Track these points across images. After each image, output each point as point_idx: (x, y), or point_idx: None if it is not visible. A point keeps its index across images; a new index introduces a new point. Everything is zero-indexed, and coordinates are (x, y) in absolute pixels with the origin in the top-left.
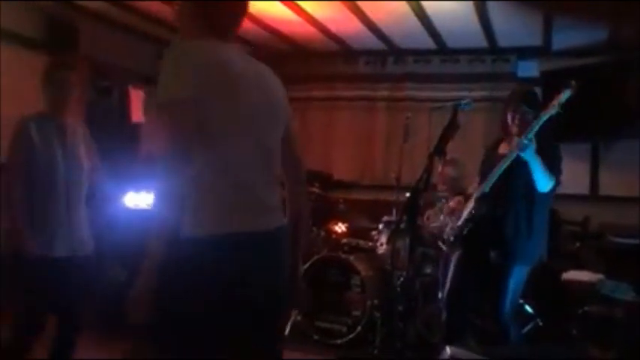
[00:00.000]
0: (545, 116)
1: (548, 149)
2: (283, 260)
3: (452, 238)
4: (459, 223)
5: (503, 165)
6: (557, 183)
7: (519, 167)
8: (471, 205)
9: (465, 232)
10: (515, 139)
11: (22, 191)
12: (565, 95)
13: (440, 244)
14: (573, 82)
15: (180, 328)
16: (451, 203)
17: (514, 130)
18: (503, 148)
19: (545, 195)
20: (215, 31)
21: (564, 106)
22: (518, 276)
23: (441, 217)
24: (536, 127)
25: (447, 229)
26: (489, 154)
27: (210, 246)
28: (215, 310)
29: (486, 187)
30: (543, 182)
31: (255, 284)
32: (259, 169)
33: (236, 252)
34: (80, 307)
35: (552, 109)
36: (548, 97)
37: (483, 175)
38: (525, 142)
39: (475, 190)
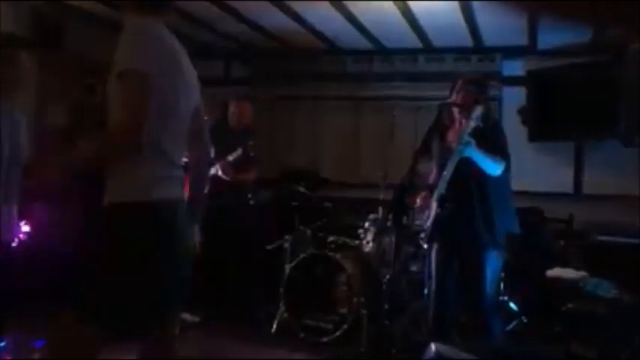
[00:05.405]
0: (466, 132)
1: (491, 136)
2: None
3: (426, 237)
4: (428, 223)
5: (450, 169)
6: (507, 164)
7: (467, 166)
8: (434, 205)
9: (438, 229)
10: (456, 144)
11: None
12: (477, 112)
13: (420, 242)
14: (483, 101)
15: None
16: (418, 199)
17: (457, 111)
18: (451, 137)
19: (498, 181)
20: (148, 7)
21: (484, 117)
22: (492, 263)
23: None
24: (463, 142)
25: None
26: (437, 144)
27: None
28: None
29: (442, 188)
30: (492, 169)
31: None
32: (181, 145)
33: (168, 216)
34: None
35: (473, 123)
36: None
37: (438, 167)
38: (460, 147)
39: (434, 181)
